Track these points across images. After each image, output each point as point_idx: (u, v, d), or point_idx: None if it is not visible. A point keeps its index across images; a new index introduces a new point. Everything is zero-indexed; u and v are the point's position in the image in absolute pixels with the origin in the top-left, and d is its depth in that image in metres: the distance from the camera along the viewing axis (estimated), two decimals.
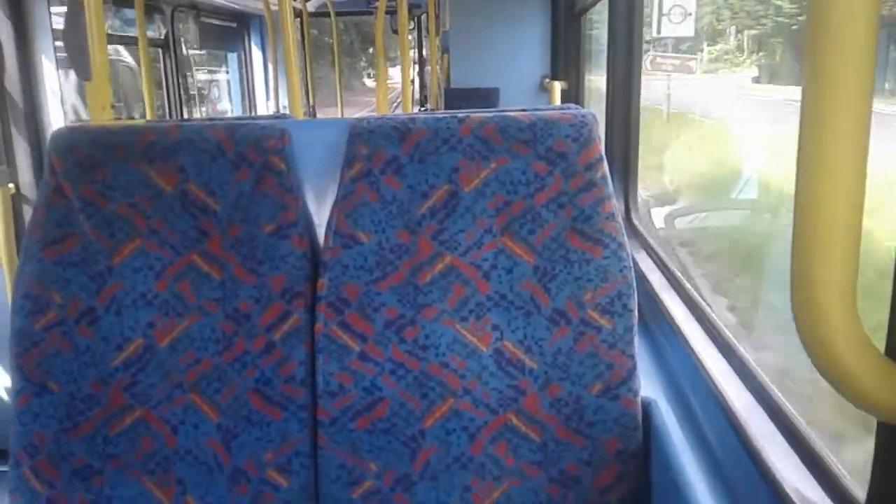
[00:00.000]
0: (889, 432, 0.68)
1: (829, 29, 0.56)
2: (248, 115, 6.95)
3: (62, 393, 1.31)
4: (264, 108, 6.95)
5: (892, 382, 0.60)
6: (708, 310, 1.48)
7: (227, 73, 7.23)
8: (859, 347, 0.59)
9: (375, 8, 4.74)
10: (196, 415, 1.32)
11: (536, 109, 1.28)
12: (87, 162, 1.29)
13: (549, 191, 1.24)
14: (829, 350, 0.60)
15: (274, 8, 5.62)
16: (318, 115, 7.61)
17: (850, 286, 0.58)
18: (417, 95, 8.43)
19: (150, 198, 1.29)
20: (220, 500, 1.31)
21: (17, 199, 2.82)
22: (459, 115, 1.26)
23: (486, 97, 5.70)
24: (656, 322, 1.65)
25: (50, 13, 2.87)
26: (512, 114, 1.26)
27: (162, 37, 5.40)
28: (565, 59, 5.07)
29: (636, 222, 2.25)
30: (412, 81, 7.37)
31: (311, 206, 1.34)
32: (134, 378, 1.32)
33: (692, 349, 1.36)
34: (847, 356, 0.59)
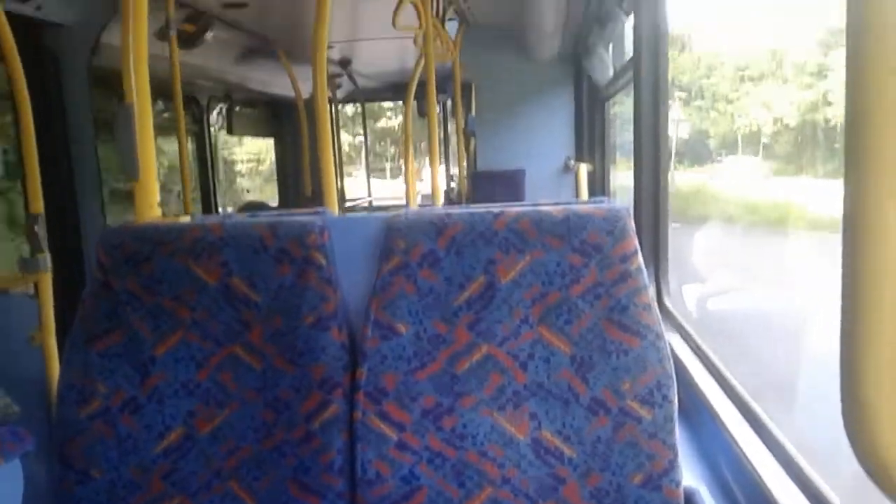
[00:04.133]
0: None
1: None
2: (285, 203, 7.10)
3: (103, 480, 1.33)
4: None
5: None
6: (746, 396, 1.47)
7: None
8: None
9: (403, 95, 4.88)
10: (235, 503, 1.33)
11: (569, 203, 1.32)
12: (133, 258, 1.34)
13: (584, 282, 1.26)
14: (881, 456, 0.59)
15: (305, 96, 5.81)
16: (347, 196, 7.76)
17: None
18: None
19: (194, 291, 1.33)
20: None
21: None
22: (494, 209, 1.29)
23: (512, 179, 5.79)
24: (695, 408, 1.64)
25: (93, 118, 3.02)
26: (545, 208, 1.29)
27: (196, 126, 5.58)
28: (590, 141, 5.16)
29: (669, 306, 2.26)
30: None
31: (349, 297, 1.37)
32: (174, 465, 1.34)
33: (732, 437, 1.35)
34: None
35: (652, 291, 1.29)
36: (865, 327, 0.58)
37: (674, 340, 2.02)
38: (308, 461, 1.30)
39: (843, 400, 0.61)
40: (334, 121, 7.21)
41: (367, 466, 1.29)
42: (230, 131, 6.49)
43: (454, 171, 7.77)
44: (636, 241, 1.26)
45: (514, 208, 1.30)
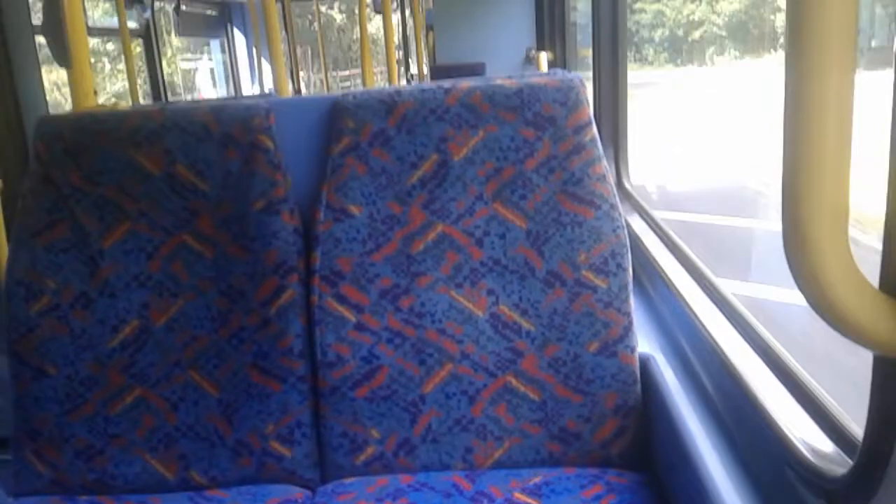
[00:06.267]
0: (886, 366, 0.68)
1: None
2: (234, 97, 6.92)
3: (60, 376, 1.32)
4: (250, 91, 6.93)
5: (887, 316, 0.60)
6: (702, 266, 1.48)
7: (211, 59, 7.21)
8: (853, 282, 0.59)
9: None
10: (196, 391, 1.33)
11: (523, 76, 1.28)
12: (73, 149, 1.29)
13: (538, 156, 1.24)
14: (823, 286, 0.59)
15: None
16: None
17: (841, 221, 0.58)
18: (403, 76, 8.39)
19: (138, 181, 1.29)
20: (224, 473, 1.32)
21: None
22: (445, 85, 1.26)
23: (473, 72, 5.65)
24: (651, 281, 1.66)
25: (28, 4, 2.84)
26: (498, 81, 1.25)
27: (142, 27, 5.36)
28: (550, 30, 5.05)
29: (628, 186, 2.25)
30: (397, 62, 7.32)
31: (300, 182, 1.34)
32: (132, 358, 1.33)
33: (687, 304, 1.37)
34: (840, 291, 0.59)
35: (611, 170, 1.28)
36: (806, 166, 0.58)
37: (633, 222, 2.02)
38: (267, 347, 1.30)
39: (785, 235, 0.61)
40: (286, 16, 6.96)
41: (327, 349, 1.29)
42: (179, 31, 6.25)
43: (413, 69, 7.61)
44: (590, 112, 1.24)
45: (466, 82, 1.26)
